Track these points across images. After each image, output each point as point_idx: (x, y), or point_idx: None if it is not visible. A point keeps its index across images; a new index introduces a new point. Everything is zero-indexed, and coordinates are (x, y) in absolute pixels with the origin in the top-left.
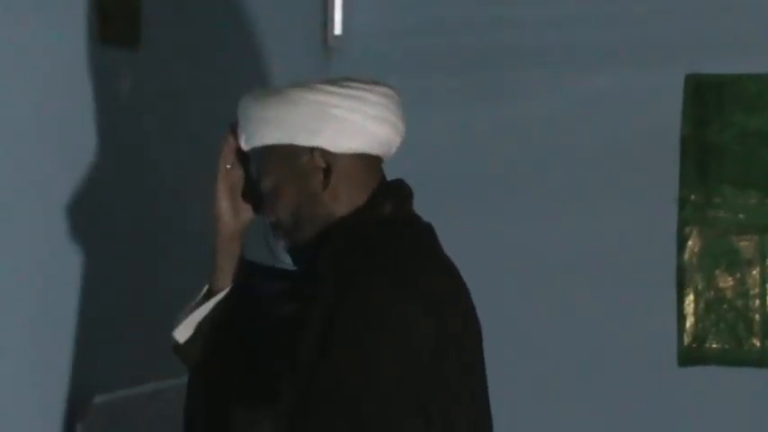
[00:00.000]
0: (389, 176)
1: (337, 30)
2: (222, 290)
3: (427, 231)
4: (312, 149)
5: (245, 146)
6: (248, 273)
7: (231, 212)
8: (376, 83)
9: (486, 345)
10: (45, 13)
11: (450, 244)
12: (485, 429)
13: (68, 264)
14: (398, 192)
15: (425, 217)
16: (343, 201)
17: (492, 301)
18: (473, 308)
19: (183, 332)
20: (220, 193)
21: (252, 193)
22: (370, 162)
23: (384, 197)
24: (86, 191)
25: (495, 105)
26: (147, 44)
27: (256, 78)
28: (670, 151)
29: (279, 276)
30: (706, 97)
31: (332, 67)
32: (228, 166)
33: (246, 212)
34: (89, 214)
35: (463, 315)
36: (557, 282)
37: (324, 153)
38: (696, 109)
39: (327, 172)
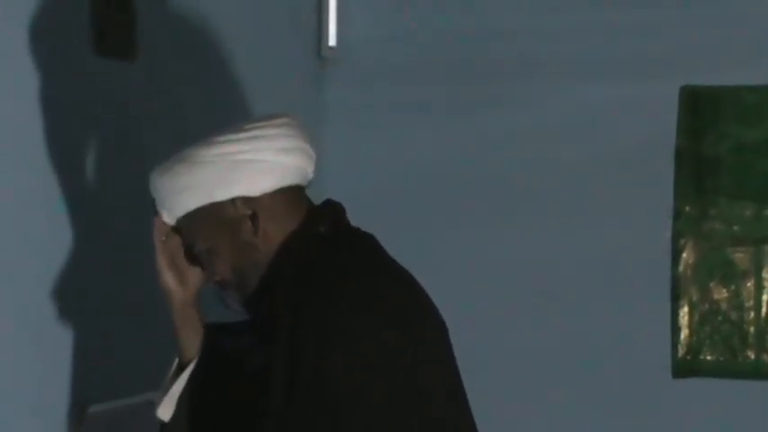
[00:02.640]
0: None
1: (332, 41)
2: (192, 359)
3: (369, 241)
4: (233, 200)
5: (169, 220)
6: (212, 334)
7: (177, 282)
8: (271, 116)
9: (479, 354)
10: (41, 27)
11: (444, 253)
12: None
13: (65, 274)
14: (329, 210)
15: (423, 225)
16: (278, 238)
17: (487, 311)
18: (433, 307)
19: (165, 411)
20: (162, 266)
21: (195, 254)
22: (292, 194)
23: (316, 219)
24: (82, 203)
25: (489, 116)
26: (143, 56)
27: (251, 90)
28: (665, 163)
29: (242, 330)
30: (701, 109)
31: (327, 77)
32: (164, 239)
33: (194, 277)
34: (87, 225)
35: (424, 318)
36: (551, 292)
37: (245, 200)
38: (691, 121)
39: (254, 217)
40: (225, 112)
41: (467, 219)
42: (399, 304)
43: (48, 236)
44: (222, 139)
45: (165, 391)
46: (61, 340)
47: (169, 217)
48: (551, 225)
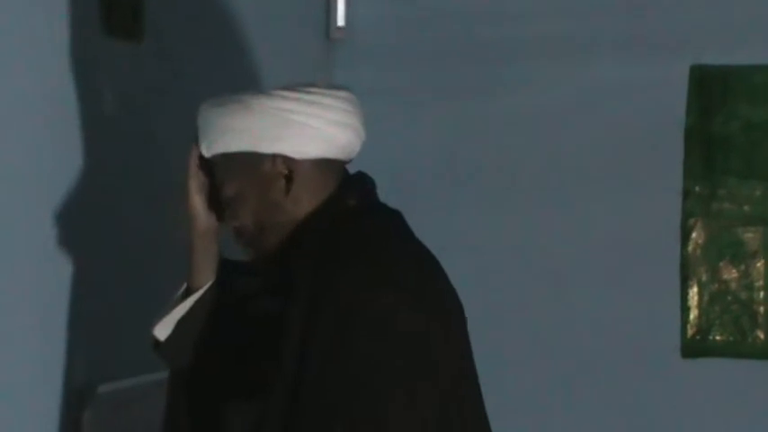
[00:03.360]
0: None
1: (340, 21)
2: (200, 287)
3: (396, 218)
4: (274, 156)
5: (206, 153)
6: (226, 270)
7: (205, 209)
8: (336, 87)
9: (489, 336)
10: (49, 6)
11: (454, 237)
12: (478, 416)
13: (72, 254)
14: (361, 183)
15: (432, 207)
16: (305, 206)
17: (496, 293)
18: (452, 288)
19: (162, 330)
20: (192, 190)
21: (217, 201)
22: (331, 166)
23: (347, 191)
24: (89, 183)
25: (498, 97)
26: (151, 36)
27: (259, 70)
28: (674, 142)
29: (257, 272)
30: (711, 88)
31: (334, 58)
32: (197, 163)
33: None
34: (92, 207)
35: (444, 299)
36: (560, 273)
37: (285, 160)
38: (701, 100)
39: (289, 178)
40: (232, 94)
41: (476, 200)
42: (420, 283)
43: (52, 215)
44: (283, 93)
45: (168, 311)
46: (70, 321)
47: (207, 150)
48: (560, 205)
